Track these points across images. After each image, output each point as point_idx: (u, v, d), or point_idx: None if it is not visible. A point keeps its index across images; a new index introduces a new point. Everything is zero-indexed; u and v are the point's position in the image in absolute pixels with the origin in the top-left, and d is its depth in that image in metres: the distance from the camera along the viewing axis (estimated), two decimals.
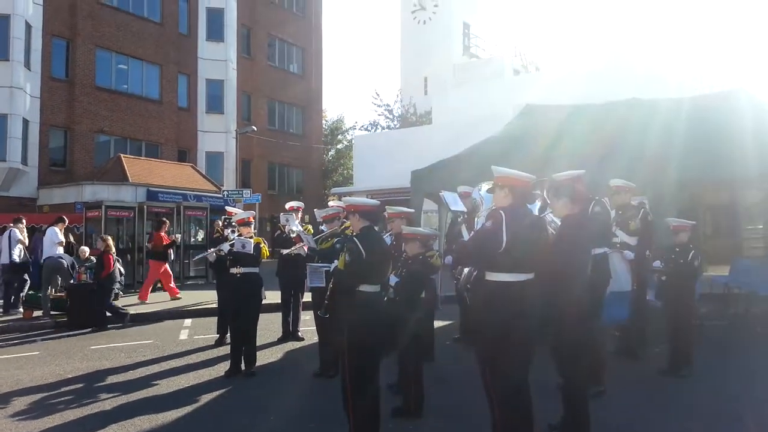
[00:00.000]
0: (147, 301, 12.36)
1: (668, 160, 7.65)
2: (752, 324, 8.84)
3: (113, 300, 12.44)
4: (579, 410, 4.48)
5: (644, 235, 6.73)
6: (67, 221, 12.86)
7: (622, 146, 7.98)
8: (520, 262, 3.68)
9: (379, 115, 36.79)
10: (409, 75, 35.62)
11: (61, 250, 11.67)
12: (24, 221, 12.34)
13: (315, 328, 7.01)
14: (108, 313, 10.18)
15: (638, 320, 6.83)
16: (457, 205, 4.75)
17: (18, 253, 11.31)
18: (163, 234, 12.86)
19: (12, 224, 11.91)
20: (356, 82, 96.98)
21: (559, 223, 4.87)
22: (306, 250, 7.07)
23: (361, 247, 4.31)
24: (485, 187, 4.11)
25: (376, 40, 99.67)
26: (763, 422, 4.95)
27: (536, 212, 4.91)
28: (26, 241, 11.96)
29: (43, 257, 11.74)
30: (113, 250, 10.55)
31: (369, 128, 36.78)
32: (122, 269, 11.75)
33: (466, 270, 4.15)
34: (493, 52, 36.45)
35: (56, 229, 11.79)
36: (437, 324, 8.08)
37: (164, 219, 14.36)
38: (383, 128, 35.72)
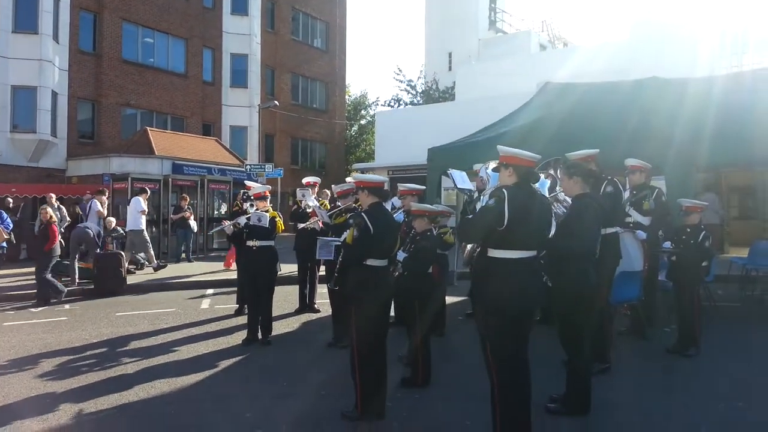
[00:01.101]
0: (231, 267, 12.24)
1: (689, 140, 7.58)
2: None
3: (138, 269, 12.90)
4: (581, 386, 4.59)
5: (657, 216, 6.73)
6: (149, 192, 13.93)
7: (640, 125, 7.93)
8: (521, 239, 3.76)
9: (401, 90, 36.65)
10: (433, 50, 35.26)
11: (143, 219, 12.97)
12: (106, 193, 13.57)
13: (329, 300, 7.20)
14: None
15: (649, 300, 6.87)
16: (464, 183, 4.82)
17: (96, 223, 12.43)
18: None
19: (94, 195, 13.14)
20: (380, 58, 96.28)
21: (570, 202, 4.92)
22: (321, 224, 7.22)
23: (369, 223, 4.44)
24: (492, 165, 4.17)
25: (401, 15, 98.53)
26: (758, 399, 4.99)
27: (546, 190, 4.97)
28: (104, 212, 13.08)
29: (127, 226, 12.94)
30: (56, 220, 10.14)
31: (392, 104, 36.65)
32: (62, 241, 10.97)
33: (469, 246, 4.25)
34: (520, 26, 35.84)
35: (140, 198, 13.06)
36: (451, 299, 8.21)
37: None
38: (406, 104, 35.56)
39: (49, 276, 9.71)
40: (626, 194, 6.99)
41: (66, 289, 10.01)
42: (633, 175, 6.87)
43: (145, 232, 13.23)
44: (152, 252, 13.30)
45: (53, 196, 13.11)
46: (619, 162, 6.92)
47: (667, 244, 6.47)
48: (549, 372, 5.11)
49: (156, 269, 12.70)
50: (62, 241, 10.54)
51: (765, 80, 9.14)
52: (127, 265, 11.44)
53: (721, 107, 7.89)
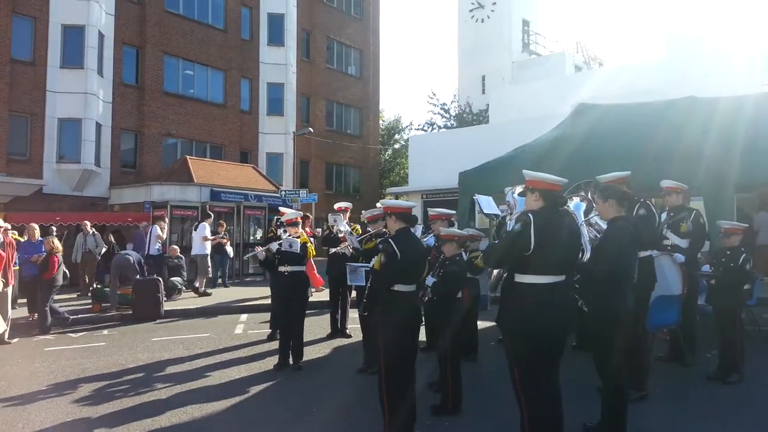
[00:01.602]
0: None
1: (726, 161, 7.37)
2: None
3: (176, 295, 13.15)
4: (617, 415, 4.44)
5: (696, 238, 6.53)
6: (212, 216, 14.71)
7: (676, 146, 7.74)
8: (548, 264, 3.70)
9: (435, 114, 36.77)
10: (466, 74, 35.38)
11: (208, 244, 13.73)
12: (166, 220, 14.45)
13: (360, 325, 7.19)
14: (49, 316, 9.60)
15: (688, 325, 6.63)
16: (491, 208, 4.80)
17: (157, 247, 13.26)
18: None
19: (154, 221, 13.97)
20: (414, 83, 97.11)
21: (605, 226, 4.83)
22: (351, 250, 7.26)
23: (396, 248, 4.44)
24: (518, 189, 4.15)
25: (434, 40, 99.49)
26: None
27: (581, 213, 4.89)
28: (164, 237, 13.81)
29: (193, 251, 13.89)
30: (60, 251, 9.93)
31: (425, 128, 36.81)
32: (66, 271, 11.09)
33: (496, 271, 4.20)
34: (554, 48, 35.72)
35: (206, 224, 13.83)
36: (484, 324, 8.10)
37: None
38: (440, 128, 35.65)
39: (52, 305, 9.79)
40: (663, 216, 6.83)
41: (71, 317, 10.16)
42: (669, 196, 6.71)
43: (209, 258, 13.88)
44: (207, 278, 13.89)
45: (88, 223, 13.66)
46: (654, 183, 6.76)
47: (706, 267, 6.27)
48: (584, 399, 4.96)
49: (201, 295, 13.10)
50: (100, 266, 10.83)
51: None
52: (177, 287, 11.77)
53: (758, 125, 7.66)
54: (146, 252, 13.29)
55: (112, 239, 14.35)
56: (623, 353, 4.58)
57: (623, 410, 4.44)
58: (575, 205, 4.91)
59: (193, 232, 14.32)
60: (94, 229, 14.12)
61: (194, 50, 24.21)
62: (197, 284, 13.62)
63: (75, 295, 13.41)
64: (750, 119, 7.88)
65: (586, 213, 5.08)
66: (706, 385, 5.92)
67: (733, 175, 7.30)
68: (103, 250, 13.83)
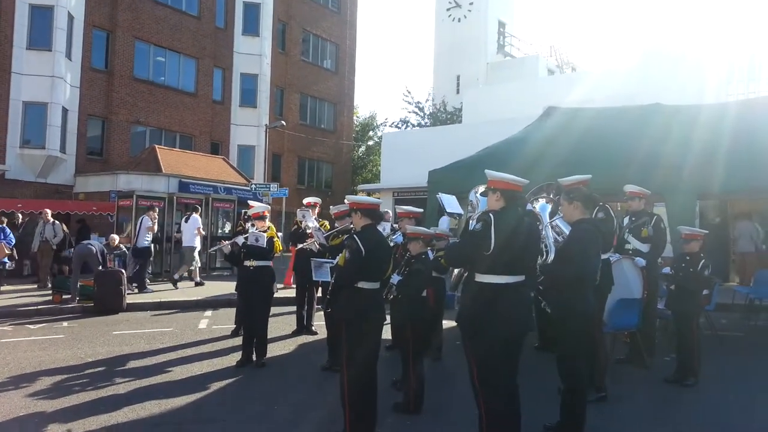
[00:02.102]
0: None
1: (689, 168, 7.52)
2: None
3: (144, 290, 12.91)
4: (576, 415, 4.51)
5: (657, 243, 6.66)
6: (200, 209, 14.62)
7: (640, 151, 7.88)
8: (509, 264, 3.73)
9: (410, 112, 36.81)
10: (441, 73, 35.46)
11: (198, 237, 13.69)
12: (156, 210, 13.94)
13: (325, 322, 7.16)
14: None
15: (647, 328, 6.77)
16: (453, 207, 4.82)
17: (147, 239, 12.90)
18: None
19: (146, 212, 13.51)
20: (389, 79, 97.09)
21: (566, 229, 4.88)
22: (317, 245, 7.21)
23: (360, 245, 4.42)
24: (481, 189, 4.17)
25: (410, 38, 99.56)
26: (757, 430, 4.89)
27: (547, 215, 4.95)
28: (155, 228, 13.42)
29: (184, 242, 13.73)
30: None
31: (399, 125, 36.81)
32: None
33: (456, 271, 4.22)
34: (529, 51, 36.04)
35: (197, 217, 13.75)
36: (449, 324, 8.12)
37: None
38: (414, 126, 35.69)
39: None
40: (626, 221, 6.95)
41: None
42: (632, 201, 6.83)
43: (197, 251, 13.84)
44: (188, 270, 13.96)
45: (48, 212, 13.27)
46: (617, 187, 6.87)
47: (667, 270, 6.40)
48: (545, 400, 5.02)
49: (174, 284, 13.25)
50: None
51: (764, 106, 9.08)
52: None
53: (726, 134, 7.84)
54: (134, 244, 13.04)
55: (64, 228, 13.88)
56: (586, 355, 4.65)
57: (583, 411, 4.51)
58: (541, 206, 4.97)
59: (184, 223, 14.11)
60: (53, 218, 13.69)
61: (166, 36, 23.77)
62: (176, 275, 13.56)
63: (35, 286, 13.08)
64: (713, 128, 8.06)
65: (552, 215, 5.14)
66: (663, 388, 6.04)
67: (695, 182, 7.46)
68: (60, 239, 13.44)
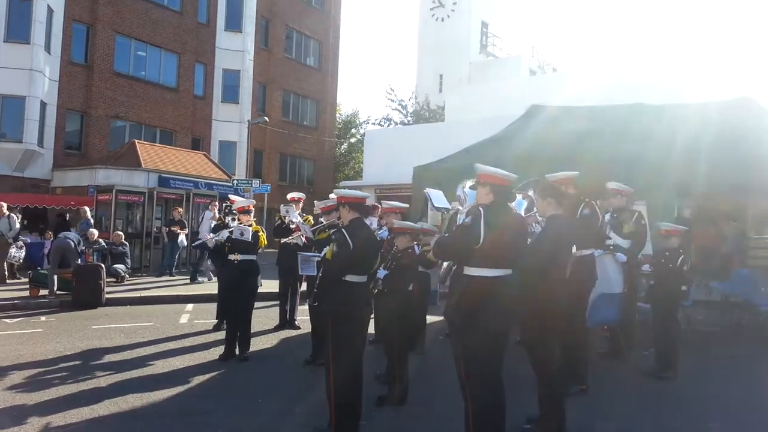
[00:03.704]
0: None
1: (671, 166, 7.64)
2: (745, 333, 8.81)
3: (118, 282, 12.77)
4: (553, 408, 4.55)
5: (637, 239, 6.77)
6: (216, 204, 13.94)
7: (624, 150, 7.99)
8: (497, 258, 3.77)
9: (393, 110, 36.86)
10: (425, 72, 35.61)
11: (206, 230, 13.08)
12: (217, 203, 13.42)
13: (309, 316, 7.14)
14: None
15: (627, 323, 6.88)
16: (441, 202, 4.85)
17: (208, 230, 12.57)
18: None
19: (210, 205, 13.34)
20: (372, 78, 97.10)
21: (537, 228, 4.94)
22: (304, 240, 7.20)
23: (348, 239, 4.42)
24: (469, 183, 4.20)
25: (394, 37, 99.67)
26: (737, 425, 4.99)
27: (522, 211, 4.99)
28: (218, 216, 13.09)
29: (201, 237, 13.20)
30: None
31: (382, 123, 36.84)
32: None
33: (446, 264, 4.25)
34: (511, 51, 36.33)
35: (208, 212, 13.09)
36: (433, 319, 8.18)
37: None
38: (396, 124, 35.75)
39: None
40: (607, 217, 7.04)
41: None
42: (614, 198, 6.92)
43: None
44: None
45: (4, 205, 12.82)
46: (600, 185, 6.96)
47: (647, 267, 6.50)
48: (530, 393, 5.06)
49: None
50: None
51: (741, 108, 9.23)
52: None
53: (702, 133, 7.98)
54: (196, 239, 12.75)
55: (15, 218, 13.52)
56: (558, 348, 4.68)
57: (560, 403, 4.54)
58: (517, 202, 5.02)
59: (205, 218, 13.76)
60: (10, 212, 13.28)
61: (148, 31, 23.48)
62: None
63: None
64: (694, 127, 8.20)
65: (527, 210, 5.20)
66: (642, 381, 6.14)
67: (674, 180, 7.58)
68: (16, 232, 13.03)
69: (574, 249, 5.10)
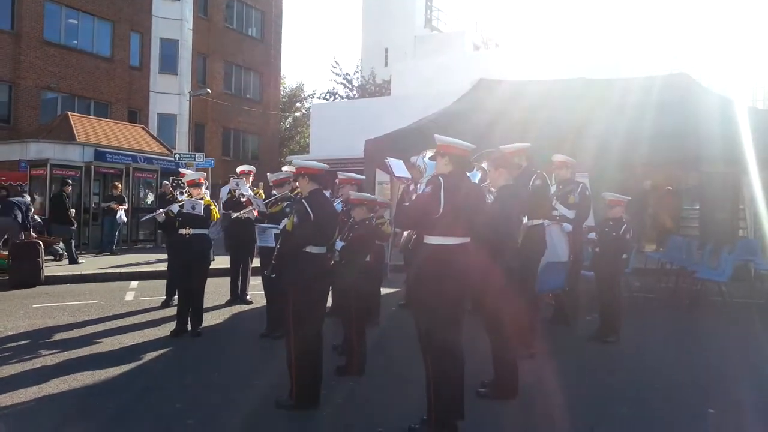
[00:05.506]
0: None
1: (612, 139, 7.95)
2: (680, 298, 9.36)
3: (55, 260, 12.30)
4: (507, 372, 4.74)
5: (582, 209, 7.03)
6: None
7: (568, 123, 8.26)
8: (456, 226, 3.85)
9: (338, 83, 36.46)
10: (369, 45, 35.31)
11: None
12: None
13: (263, 290, 7.11)
14: None
15: (572, 290, 7.18)
16: (402, 171, 4.90)
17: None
18: None
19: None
20: (317, 50, 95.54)
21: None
22: (256, 213, 7.12)
23: (309, 209, 4.42)
24: (429, 154, 4.26)
25: (339, 8, 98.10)
26: (672, 382, 5.33)
27: (476, 181, 5.09)
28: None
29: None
30: None
31: (327, 97, 36.41)
32: None
33: (405, 233, 4.31)
34: (455, 26, 36.48)
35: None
36: (385, 291, 8.29)
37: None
38: (342, 98, 35.42)
39: None
40: (553, 189, 7.27)
41: None
42: (560, 170, 7.15)
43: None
44: None
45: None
46: (547, 156, 7.17)
47: (592, 235, 6.78)
48: (482, 358, 5.24)
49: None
50: None
51: (678, 84, 9.66)
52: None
53: (644, 107, 8.33)
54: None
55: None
56: (508, 313, 4.84)
57: (513, 367, 4.73)
58: (472, 174, 5.12)
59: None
60: None
61: None
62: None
63: None
64: (637, 101, 8.54)
65: (480, 181, 5.30)
66: (587, 345, 6.45)
67: (617, 152, 7.91)
68: None
69: (525, 219, 5.27)
